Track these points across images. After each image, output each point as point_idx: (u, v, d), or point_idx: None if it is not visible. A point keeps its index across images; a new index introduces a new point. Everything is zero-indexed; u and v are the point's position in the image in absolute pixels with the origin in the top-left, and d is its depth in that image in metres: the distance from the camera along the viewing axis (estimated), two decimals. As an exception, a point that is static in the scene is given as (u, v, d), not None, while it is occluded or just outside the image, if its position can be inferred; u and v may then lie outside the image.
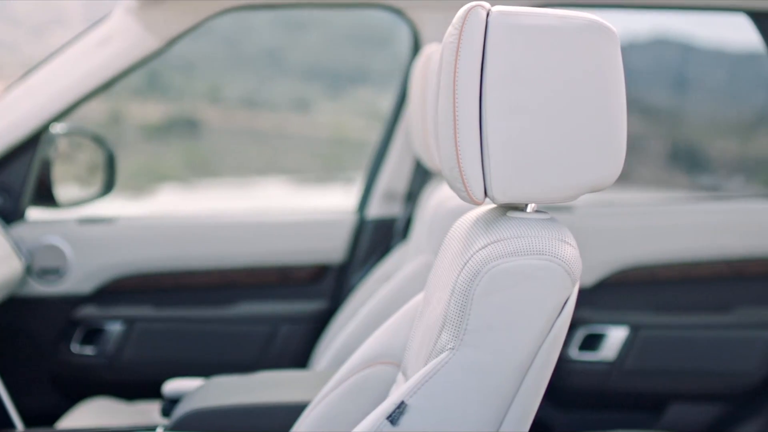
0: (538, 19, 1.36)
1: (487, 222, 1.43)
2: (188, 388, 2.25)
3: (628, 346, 2.86)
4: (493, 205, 1.49)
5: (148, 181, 12.06)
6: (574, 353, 2.88)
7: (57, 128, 2.86)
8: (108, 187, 2.92)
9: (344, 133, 13.30)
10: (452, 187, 1.40)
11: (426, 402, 1.37)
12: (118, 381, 2.89)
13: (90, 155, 2.97)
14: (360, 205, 3.08)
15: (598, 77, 1.36)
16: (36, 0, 13.73)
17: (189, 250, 2.94)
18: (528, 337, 1.36)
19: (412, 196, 3.01)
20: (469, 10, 1.36)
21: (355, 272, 3.01)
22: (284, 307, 2.98)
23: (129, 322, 2.88)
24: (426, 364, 1.43)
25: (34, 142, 2.77)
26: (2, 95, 2.80)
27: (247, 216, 3.10)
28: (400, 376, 1.66)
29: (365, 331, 2.35)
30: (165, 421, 2.21)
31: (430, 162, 2.34)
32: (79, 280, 2.87)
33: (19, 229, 2.81)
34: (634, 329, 2.87)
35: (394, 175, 3.03)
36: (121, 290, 2.91)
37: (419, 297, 1.75)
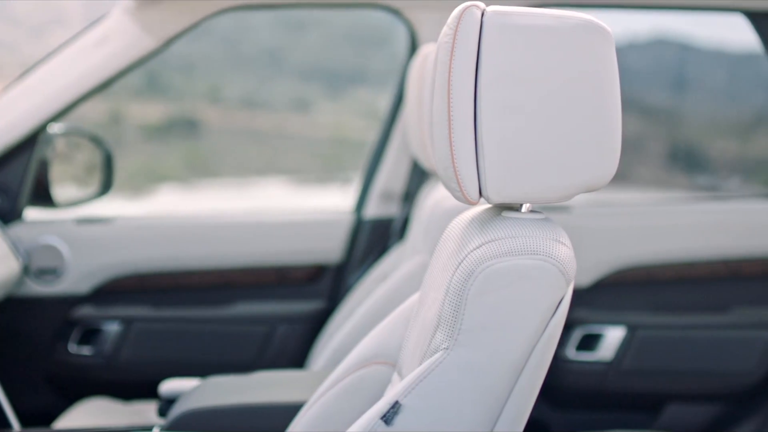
0: (532, 19, 1.36)
1: (482, 222, 1.43)
2: (185, 388, 2.25)
3: (625, 346, 2.86)
4: (489, 205, 1.49)
5: (147, 182, 12.06)
6: (572, 353, 2.88)
7: (55, 128, 2.86)
8: (106, 187, 2.92)
9: (344, 134, 13.30)
10: (447, 187, 1.41)
11: (420, 402, 1.37)
12: (115, 381, 2.89)
13: (88, 155, 2.97)
14: (357, 205, 3.09)
15: (593, 77, 1.36)
16: (36, 0, 13.73)
17: (186, 250, 2.95)
18: (522, 337, 1.36)
19: (409, 197, 3.02)
20: (464, 10, 1.36)
21: (353, 272, 3.01)
22: (281, 307, 2.98)
23: (126, 322, 2.88)
24: (421, 364, 1.43)
25: (31, 142, 2.78)
26: (0, 95, 2.80)
27: (244, 216, 3.10)
28: (395, 376, 1.66)
29: (362, 331, 2.35)
30: (161, 421, 2.21)
31: (427, 162, 2.34)
32: (76, 280, 2.87)
33: (16, 229, 2.81)
34: (632, 329, 2.87)
35: (392, 175, 3.03)
36: (118, 290, 2.91)
37: (415, 297, 1.75)
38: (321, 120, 13.76)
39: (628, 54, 12.95)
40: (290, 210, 3.41)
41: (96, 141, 2.92)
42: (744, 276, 2.95)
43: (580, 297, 2.89)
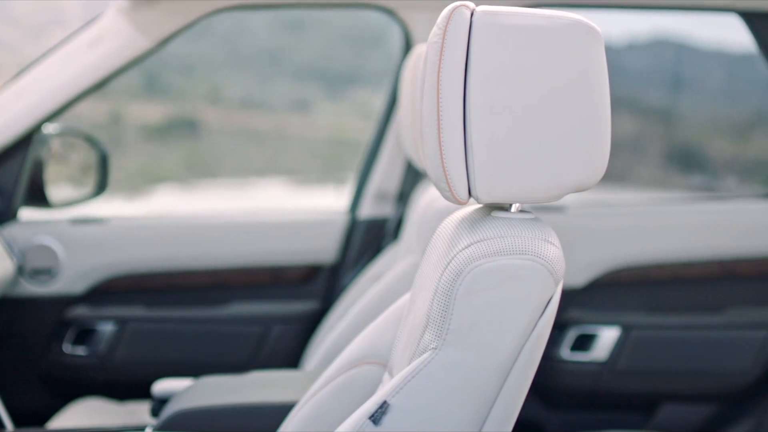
0: (522, 18, 1.36)
1: (472, 222, 1.43)
2: (177, 389, 2.25)
3: (619, 346, 2.86)
4: (480, 206, 1.49)
5: (147, 182, 12.06)
6: (566, 353, 2.88)
7: (49, 128, 2.86)
8: (101, 187, 2.92)
9: (343, 134, 13.30)
10: (437, 186, 1.41)
11: (408, 402, 1.37)
12: (110, 381, 2.89)
13: (83, 155, 2.97)
14: (352, 205, 3.09)
15: (582, 77, 1.36)
16: (35, 0, 13.73)
17: (181, 251, 2.95)
18: (510, 336, 1.36)
19: (403, 197, 3.02)
20: (454, 9, 1.36)
21: (347, 272, 3.01)
22: (276, 308, 2.98)
23: (121, 322, 2.88)
24: (410, 364, 1.43)
25: (26, 142, 2.77)
26: (-4, 95, 2.80)
27: (239, 216, 3.10)
28: (386, 376, 1.66)
29: (355, 331, 2.35)
30: (154, 422, 2.21)
31: (421, 162, 2.34)
32: (71, 280, 2.87)
33: (11, 230, 2.81)
34: (626, 329, 2.87)
35: (386, 175, 3.03)
36: (113, 290, 2.91)
37: (406, 297, 1.75)
38: (320, 120, 13.76)
39: (627, 54, 12.95)
40: (285, 210, 3.41)
41: (91, 141, 2.92)
42: (739, 276, 2.95)
43: (575, 297, 2.89)
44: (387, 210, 3.05)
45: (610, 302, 2.92)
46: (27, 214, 2.89)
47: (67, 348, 2.88)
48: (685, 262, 2.93)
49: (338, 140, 13.34)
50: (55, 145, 2.94)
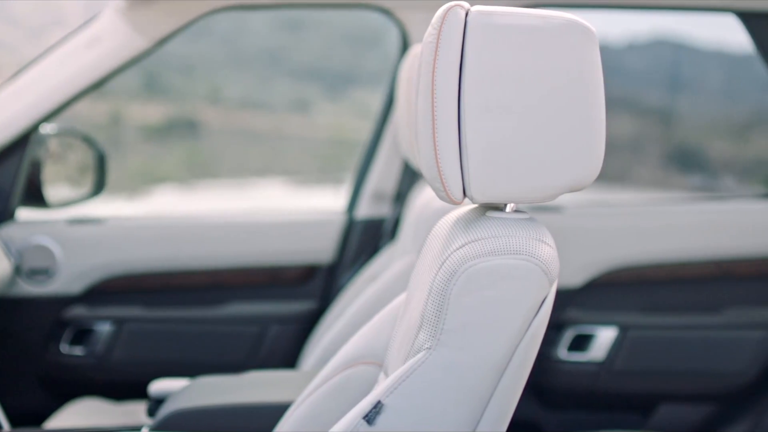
0: (516, 18, 1.36)
1: (467, 222, 1.43)
2: (174, 388, 2.25)
3: (617, 346, 2.86)
4: (475, 206, 1.49)
5: (147, 182, 12.07)
6: (563, 354, 2.88)
7: (47, 128, 2.86)
8: (98, 187, 2.92)
9: (343, 134, 13.31)
10: (432, 186, 1.41)
11: (403, 401, 1.37)
12: (107, 381, 2.89)
13: (80, 155, 2.97)
14: (349, 205, 3.09)
15: (577, 77, 1.36)
16: (35, 1, 13.74)
17: (178, 251, 2.95)
18: (504, 336, 1.36)
19: (400, 197, 3.02)
20: (448, 9, 1.36)
21: (344, 272, 3.01)
22: (274, 308, 2.98)
23: (118, 322, 2.88)
24: (404, 364, 1.43)
25: (23, 142, 2.77)
26: (-8, 95, 2.80)
27: (236, 216, 3.10)
28: (381, 376, 1.66)
29: (351, 331, 2.35)
30: (151, 422, 2.21)
31: (417, 162, 2.34)
32: (68, 280, 2.87)
33: (8, 230, 2.81)
34: (624, 330, 2.87)
35: (383, 175, 3.03)
36: (110, 291, 2.91)
37: (402, 297, 1.75)
38: (320, 121, 13.77)
39: (627, 54, 12.95)
40: (282, 210, 3.41)
41: (89, 141, 2.92)
42: (736, 276, 2.95)
43: (572, 297, 2.89)
44: (384, 210, 3.05)
45: (607, 302, 2.92)
46: (24, 214, 2.89)
47: (65, 348, 2.88)
48: (683, 262, 2.93)
49: (338, 140, 13.34)
50: (53, 145, 2.94)
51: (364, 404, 1.39)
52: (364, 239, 3.02)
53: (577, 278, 2.89)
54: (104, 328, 2.89)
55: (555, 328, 2.88)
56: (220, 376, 2.31)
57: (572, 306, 2.89)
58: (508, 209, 1.41)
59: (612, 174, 11.00)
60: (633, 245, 2.91)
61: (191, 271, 2.95)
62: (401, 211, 2.95)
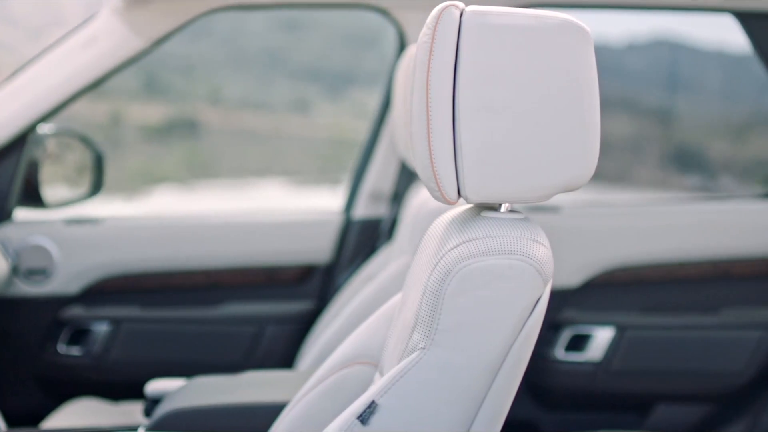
0: (511, 18, 1.36)
1: (462, 222, 1.43)
2: (170, 389, 2.25)
3: (614, 346, 2.86)
4: (471, 206, 1.49)
5: (146, 183, 12.07)
6: (561, 354, 2.88)
7: (44, 128, 2.86)
8: (96, 187, 2.92)
9: (343, 135, 13.31)
10: (426, 186, 1.41)
11: (397, 401, 1.37)
12: (104, 381, 2.89)
13: (78, 156, 2.97)
14: (346, 205, 3.09)
15: (572, 77, 1.36)
16: (35, 1, 13.74)
17: (176, 251, 2.94)
18: (499, 336, 1.36)
19: (397, 197, 3.02)
20: (443, 9, 1.36)
21: (342, 273, 3.01)
22: (271, 308, 2.98)
23: (115, 322, 2.88)
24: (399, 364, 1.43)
25: (21, 143, 2.77)
26: (-11, 96, 2.80)
27: (233, 216, 3.10)
28: (377, 376, 1.66)
29: (348, 332, 2.35)
30: (147, 422, 2.21)
31: (412, 162, 2.34)
32: (65, 280, 2.87)
33: (5, 230, 2.81)
34: (621, 330, 2.86)
35: (380, 175, 3.03)
36: (107, 291, 2.91)
37: (397, 297, 1.75)
38: (320, 121, 13.77)
39: (627, 55, 12.95)
40: (279, 210, 3.41)
41: (86, 141, 2.92)
42: (733, 276, 2.94)
43: (570, 297, 2.89)
44: (381, 210, 3.05)
45: (604, 302, 2.91)
46: (22, 214, 2.89)
47: (62, 348, 2.88)
48: (680, 262, 2.93)
49: (338, 140, 13.34)
50: (51, 145, 2.94)
51: (358, 404, 1.39)
52: (362, 239, 3.02)
53: (574, 278, 2.89)
54: (101, 328, 2.89)
55: (552, 328, 2.88)
56: (216, 376, 2.31)
57: (569, 306, 2.89)
58: (502, 209, 1.41)
59: (611, 174, 11.01)
60: (630, 245, 2.91)
61: (188, 271, 2.95)
62: (398, 212, 2.95)
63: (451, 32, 1.35)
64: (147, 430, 2.08)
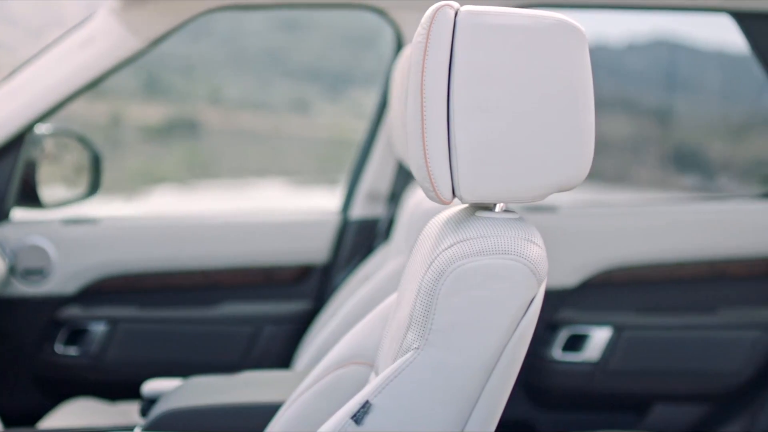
0: (506, 18, 1.36)
1: (456, 222, 1.43)
2: (166, 388, 2.25)
3: (611, 346, 2.86)
4: (466, 205, 1.49)
5: (146, 183, 12.08)
6: (558, 354, 2.88)
7: (42, 128, 2.86)
8: (94, 188, 2.92)
9: (343, 135, 13.31)
10: (421, 186, 1.41)
11: (391, 401, 1.37)
12: (101, 381, 2.89)
13: (76, 156, 2.97)
14: (343, 206, 3.09)
15: (566, 77, 1.36)
16: (35, 1, 13.74)
17: (173, 251, 2.94)
18: (493, 336, 1.36)
19: (394, 197, 3.02)
20: (437, 9, 1.36)
21: (339, 273, 3.01)
22: (268, 308, 2.98)
23: (113, 322, 2.88)
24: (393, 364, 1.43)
25: (18, 142, 2.77)
26: (-13, 96, 2.80)
27: (231, 216, 3.10)
28: (372, 376, 1.66)
29: (344, 332, 2.35)
30: (144, 422, 2.21)
31: (408, 163, 2.34)
32: (62, 280, 2.87)
33: (3, 230, 2.81)
34: (618, 330, 2.86)
35: (377, 176, 3.03)
36: (104, 291, 2.91)
37: (393, 297, 1.75)
38: (320, 121, 13.77)
39: (627, 55, 12.95)
40: (276, 210, 3.41)
41: (84, 141, 2.92)
42: (730, 276, 2.94)
43: (567, 297, 2.89)
44: (378, 210, 3.05)
45: (602, 302, 2.91)
46: (19, 214, 2.89)
47: (59, 348, 2.88)
48: (677, 262, 2.93)
49: (337, 140, 13.35)
50: (48, 145, 2.93)
51: (353, 404, 1.39)
52: (359, 239, 3.02)
53: (571, 278, 2.89)
54: (98, 328, 2.89)
55: (549, 328, 2.88)
56: (213, 376, 2.30)
57: (567, 306, 2.89)
58: (497, 209, 1.41)
59: (611, 174, 11.01)
60: (628, 245, 2.91)
61: (185, 271, 2.95)
62: (395, 212, 2.95)
63: (445, 32, 1.35)
64: (143, 430, 2.08)
